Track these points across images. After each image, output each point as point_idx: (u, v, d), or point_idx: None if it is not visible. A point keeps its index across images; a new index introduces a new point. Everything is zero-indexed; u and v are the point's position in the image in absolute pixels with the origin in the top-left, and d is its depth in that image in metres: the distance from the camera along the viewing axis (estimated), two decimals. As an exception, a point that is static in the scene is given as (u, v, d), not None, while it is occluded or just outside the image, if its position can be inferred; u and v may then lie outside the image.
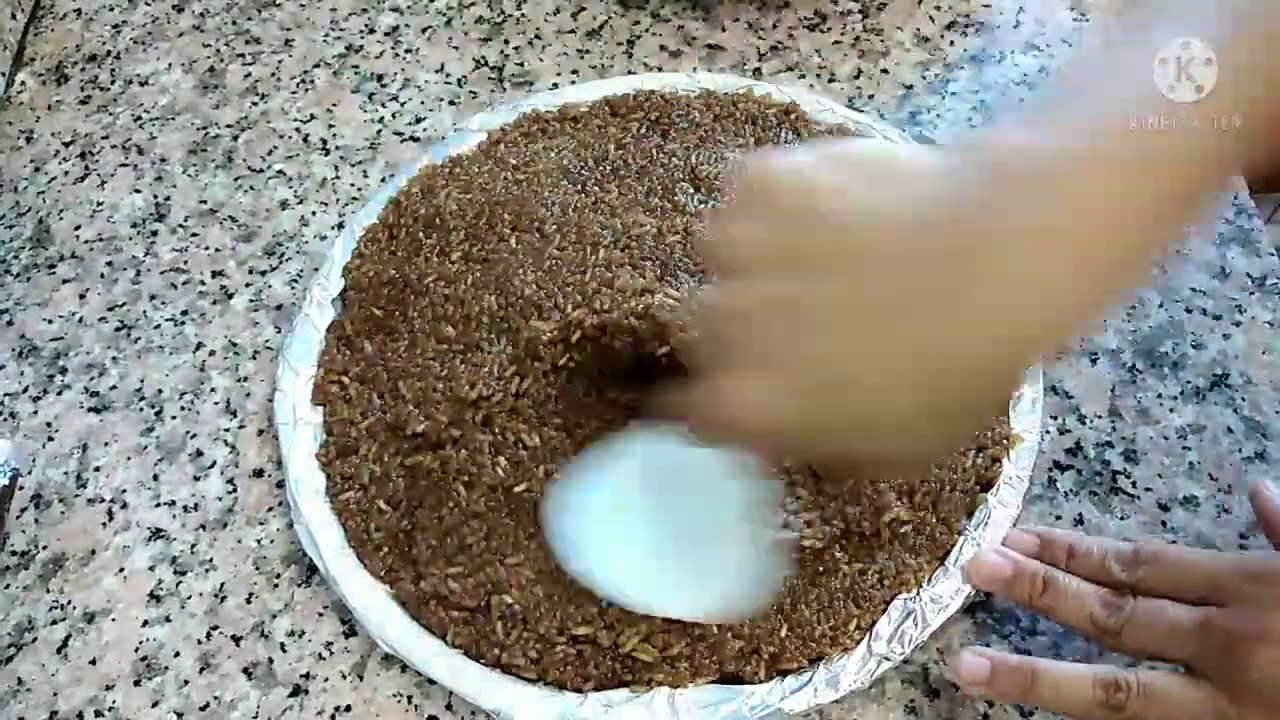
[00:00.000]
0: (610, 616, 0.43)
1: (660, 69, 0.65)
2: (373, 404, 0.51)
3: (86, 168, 0.64)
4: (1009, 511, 0.46)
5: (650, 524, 0.43)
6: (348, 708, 0.45)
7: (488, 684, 0.43)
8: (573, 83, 0.65)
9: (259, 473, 0.51)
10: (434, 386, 0.49)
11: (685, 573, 0.43)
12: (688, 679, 0.43)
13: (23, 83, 0.68)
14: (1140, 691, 0.36)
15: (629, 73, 0.65)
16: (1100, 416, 0.51)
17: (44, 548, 0.50)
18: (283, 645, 0.47)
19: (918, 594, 0.44)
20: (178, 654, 0.46)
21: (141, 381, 0.55)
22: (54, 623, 0.48)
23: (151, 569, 0.49)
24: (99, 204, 0.62)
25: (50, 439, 0.53)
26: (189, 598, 0.48)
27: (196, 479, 0.51)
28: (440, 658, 0.44)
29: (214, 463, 0.52)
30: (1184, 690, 0.36)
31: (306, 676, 0.46)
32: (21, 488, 0.51)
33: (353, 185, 0.62)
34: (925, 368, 0.29)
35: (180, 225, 0.61)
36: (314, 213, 0.61)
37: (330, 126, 0.65)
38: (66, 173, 0.63)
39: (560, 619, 0.44)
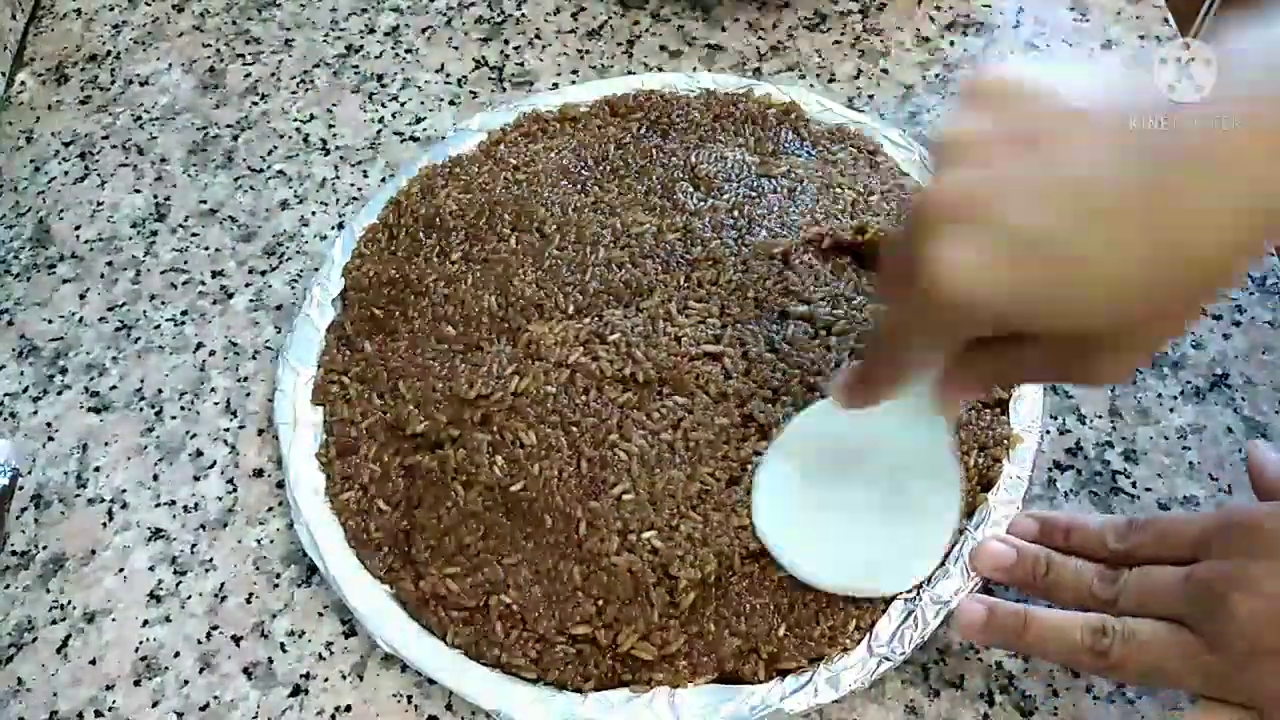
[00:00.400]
0: (608, 615, 0.44)
1: (660, 69, 0.65)
2: (373, 404, 0.51)
3: (86, 168, 0.64)
4: (1009, 512, 0.46)
5: (839, 505, 0.45)
6: (348, 708, 0.45)
7: (488, 684, 0.43)
8: (573, 83, 0.65)
9: (259, 473, 0.51)
10: (434, 386, 0.49)
11: (882, 550, 0.44)
12: (687, 678, 0.43)
13: (23, 83, 0.68)
14: (1124, 637, 0.37)
15: (629, 73, 0.65)
16: (1100, 416, 0.51)
17: (44, 548, 0.50)
18: (283, 645, 0.47)
19: (918, 594, 0.44)
20: (178, 654, 0.46)
21: (141, 381, 0.55)
22: (54, 623, 0.48)
23: (151, 569, 0.49)
24: (99, 204, 0.62)
25: (50, 439, 0.53)
26: (189, 598, 0.48)
27: (196, 479, 0.51)
28: (440, 658, 0.44)
29: (214, 463, 0.52)
30: (1163, 636, 0.37)
31: (306, 676, 0.46)
32: (21, 488, 0.51)
33: (353, 185, 0.62)
34: (1160, 242, 0.29)
35: (180, 225, 0.61)
36: (314, 213, 0.61)
37: (330, 126, 0.65)
38: (66, 173, 0.63)
39: (559, 619, 0.44)
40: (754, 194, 0.54)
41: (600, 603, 0.44)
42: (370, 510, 0.48)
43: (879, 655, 0.43)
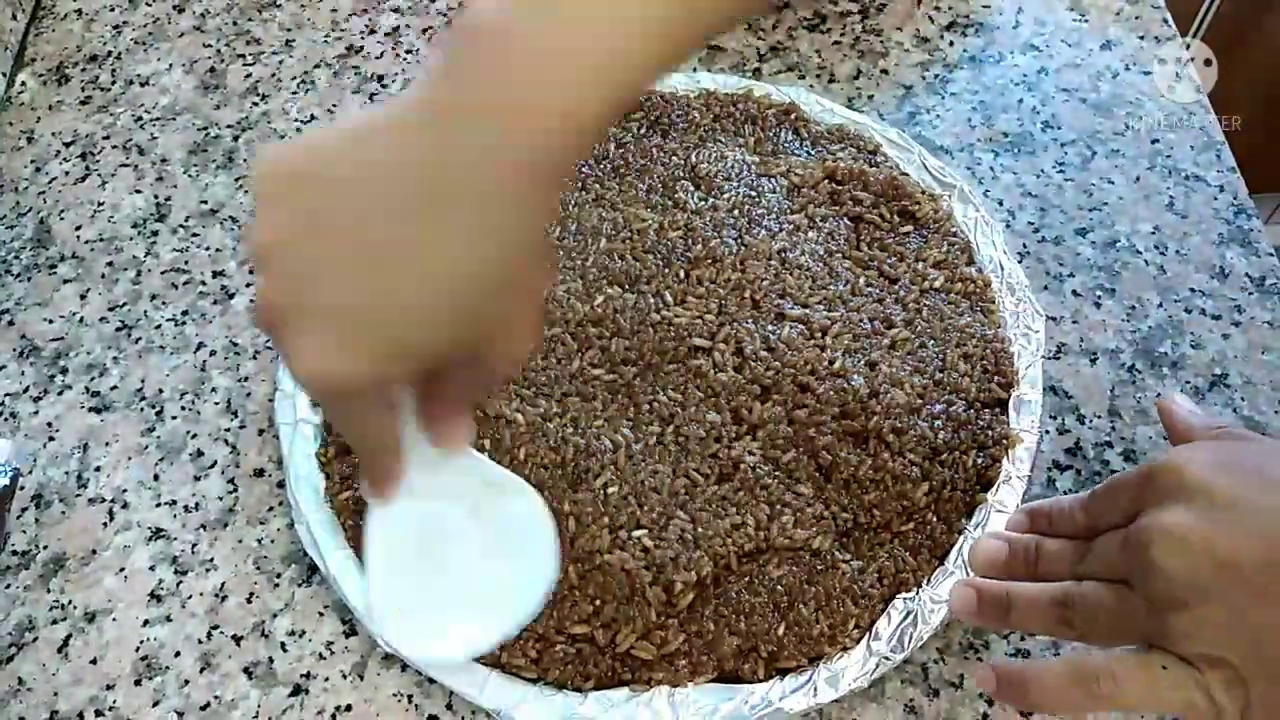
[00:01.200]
0: (605, 615, 0.44)
1: (660, 69, 0.65)
2: (372, 404, 0.51)
3: (87, 168, 0.64)
4: (1009, 511, 0.46)
5: (447, 569, 0.40)
6: (348, 707, 0.45)
7: (488, 684, 0.43)
8: (573, 83, 0.65)
9: (259, 472, 0.51)
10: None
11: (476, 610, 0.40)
12: (687, 677, 0.43)
13: (23, 83, 0.68)
14: (1081, 602, 0.38)
15: (629, 73, 0.65)
16: (1100, 416, 0.51)
17: (44, 548, 0.50)
18: (283, 645, 0.47)
19: (918, 594, 0.44)
20: (178, 654, 0.46)
21: (142, 381, 0.55)
22: (54, 622, 0.48)
23: (152, 569, 0.49)
24: (99, 204, 0.62)
25: (51, 439, 0.53)
26: (190, 597, 0.48)
27: (197, 479, 0.51)
28: (440, 657, 0.44)
29: (214, 463, 0.52)
30: (1110, 599, 0.37)
31: (307, 676, 0.46)
32: (22, 488, 0.51)
33: (353, 185, 0.62)
34: (454, 252, 0.30)
35: (181, 225, 0.61)
36: (314, 213, 0.61)
37: (330, 127, 0.65)
38: (67, 173, 0.63)
39: (557, 618, 0.44)
40: (754, 194, 0.54)
41: (597, 603, 0.44)
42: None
43: (879, 655, 0.43)
